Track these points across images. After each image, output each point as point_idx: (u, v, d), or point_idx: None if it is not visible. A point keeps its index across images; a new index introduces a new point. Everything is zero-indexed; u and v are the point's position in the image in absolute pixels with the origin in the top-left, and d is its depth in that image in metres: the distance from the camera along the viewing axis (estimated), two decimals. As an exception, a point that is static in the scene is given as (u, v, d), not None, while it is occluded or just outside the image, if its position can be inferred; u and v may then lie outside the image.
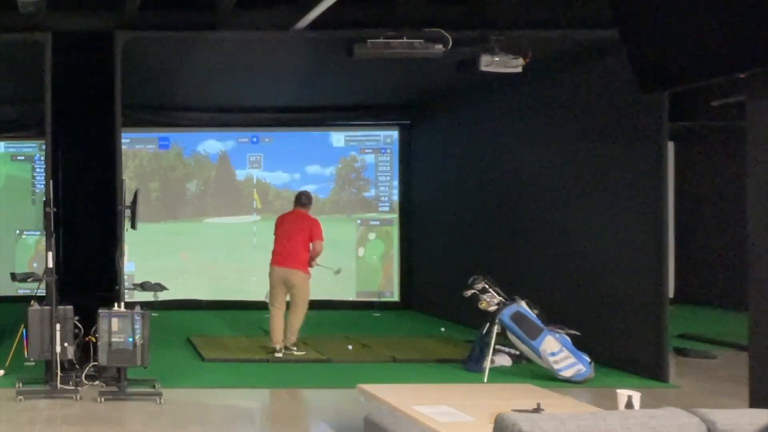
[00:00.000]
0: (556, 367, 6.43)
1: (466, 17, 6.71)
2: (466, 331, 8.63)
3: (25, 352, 6.12)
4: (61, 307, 6.11)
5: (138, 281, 6.85)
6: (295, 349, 7.56)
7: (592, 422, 2.48)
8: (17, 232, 11.46)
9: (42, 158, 11.02)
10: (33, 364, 6.27)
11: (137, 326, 5.94)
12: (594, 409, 3.96)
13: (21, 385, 6.09)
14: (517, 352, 6.93)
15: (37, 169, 11.51)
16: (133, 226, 6.23)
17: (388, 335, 8.89)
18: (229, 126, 11.07)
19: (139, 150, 11.18)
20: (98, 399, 5.85)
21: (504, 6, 6.60)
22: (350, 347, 7.96)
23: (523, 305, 6.61)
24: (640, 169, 6.75)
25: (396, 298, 11.17)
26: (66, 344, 6.07)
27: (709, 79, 4.49)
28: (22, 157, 11.61)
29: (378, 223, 11.22)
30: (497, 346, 6.75)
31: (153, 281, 6.59)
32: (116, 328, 5.94)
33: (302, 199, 7.83)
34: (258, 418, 5.89)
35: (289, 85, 9.12)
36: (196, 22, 6.68)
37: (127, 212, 6.19)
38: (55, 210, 6.13)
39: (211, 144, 11.23)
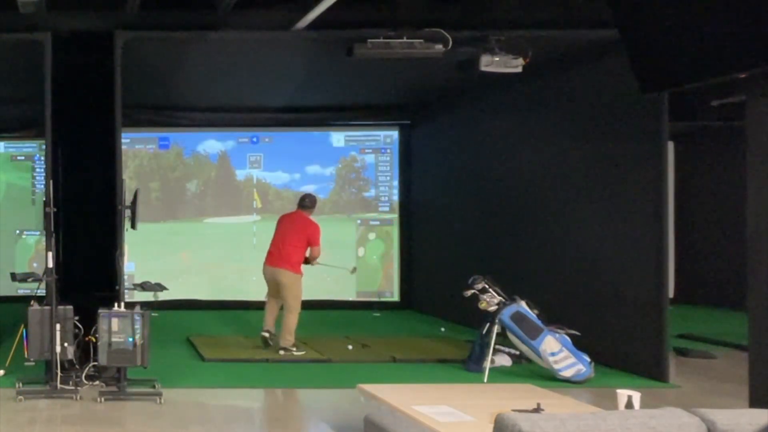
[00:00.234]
0: (556, 367, 6.43)
1: (466, 17, 6.70)
2: (466, 331, 8.63)
3: (25, 352, 6.12)
4: (61, 307, 6.11)
5: (138, 281, 6.85)
6: (294, 349, 7.56)
7: (592, 422, 2.48)
8: (17, 232, 11.47)
9: (42, 158, 11.02)
10: (33, 364, 6.26)
11: (137, 326, 5.94)
12: (594, 409, 3.96)
13: (21, 385, 6.09)
14: (517, 352, 6.93)
15: (37, 169, 11.51)
16: (133, 226, 6.23)
17: (388, 335, 8.89)
18: (229, 126, 11.07)
19: (139, 150, 11.18)
20: (98, 399, 5.86)
21: (504, 6, 6.59)
22: (350, 347, 7.96)
23: (523, 305, 6.61)
24: (640, 169, 6.76)
25: (396, 298, 11.16)
26: (66, 344, 6.07)
27: (709, 79, 4.49)
28: (22, 157, 11.61)
29: (378, 223, 11.22)
30: (497, 346, 6.75)
31: (153, 281, 6.59)
32: (116, 328, 5.94)
33: (305, 202, 7.84)
34: (258, 418, 5.89)
35: (289, 85, 9.12)
36: (196, 22, 6.67)
37: (127, 212, 6.19)
38: (55, 210, 6.13)
39: (211, 144, 11.23)
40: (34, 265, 10.83)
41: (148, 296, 7.09)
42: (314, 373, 6.94)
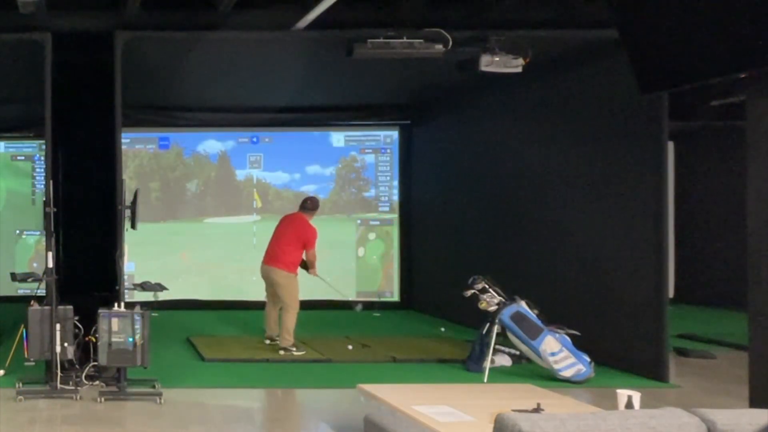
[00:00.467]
0: (556, 367, 6.44)
1: (466, 17, 6.70)
2: (466, 331, 8.63)
3: (25, 352, 6.11)
4: (61, 307, 6.11)
5: (138, 281, 6.84)
6: (294, 349, 7.56)
7: (592, 422, 2.48)
8: (17, 231, 11.46)
9: (42, 158, 11.02)
10: (33, 364, 6.25)
11: (137, 326, 5.94)
12: (594, 409, 3.96)
13: (21, 385, 6.09)
14: (517, 352, 6.93)
15: (37, 170, 11.51)
16: (133, 226, 6.23)
17: (388, 335, 8.89)
18: (229, 126, 11.07)
19: (139, 150, 11.18)
20: (98, 399, 5.85)
21: (504, 6, 6.59)
22: (350, 347, 7.96)
23: (523, 305, 6.61)
24: (640, 169, 6.75)
25: (396, 298, 11.17)
26: (66, 344, 6.07)
27: (709, 79, 4.49)
28: (22, 157, 11.61)
29: (378, 223, 11.22)
30: (497, 346, 6.75)
31: (153, 281, 6.58)
32: (116, 328, 5.94)
33: (306, 204, 7.87)
34: (258, 418, 5.89)
35: (289, 85, 9.11)
36: (196, 22, 6.67)
37: (127, 212, 6.19)
38: (55, 210, 6.13)
39: (211, 144, 11.23)
40: (34, 265, 10.83)
41: (148, 296, 7.08)
42: (314, 373, 6.94)
